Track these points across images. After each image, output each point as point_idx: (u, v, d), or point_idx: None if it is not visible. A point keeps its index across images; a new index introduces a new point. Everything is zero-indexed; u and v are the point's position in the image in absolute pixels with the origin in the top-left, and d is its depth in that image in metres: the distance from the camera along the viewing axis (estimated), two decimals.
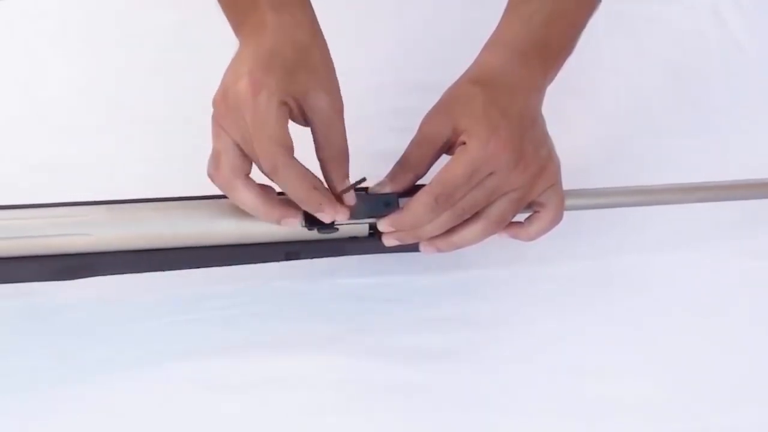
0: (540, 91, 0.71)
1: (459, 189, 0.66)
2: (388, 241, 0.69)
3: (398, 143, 0.69)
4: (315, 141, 0.66)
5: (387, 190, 0.68)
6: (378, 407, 0.70)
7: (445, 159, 0.68)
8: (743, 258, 0.81)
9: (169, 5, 0.99)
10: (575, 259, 0.80)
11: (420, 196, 0.66)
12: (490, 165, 0.66)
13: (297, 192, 0.64)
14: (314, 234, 0.68)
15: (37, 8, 0.99)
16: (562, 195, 0.71)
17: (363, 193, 0.68)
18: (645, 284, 0.79)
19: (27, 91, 0.92)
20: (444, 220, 0.67)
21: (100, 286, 0.71)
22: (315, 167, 0.66)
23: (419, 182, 0.68)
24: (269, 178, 0.64)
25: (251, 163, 0.65)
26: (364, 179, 0.66)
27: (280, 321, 0.75)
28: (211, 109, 0.64)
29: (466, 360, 0.73)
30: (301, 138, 0.65)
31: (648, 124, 0.93)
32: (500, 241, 0.72)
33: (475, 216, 0.68)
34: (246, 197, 0.65)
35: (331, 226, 0.67)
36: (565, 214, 0.72)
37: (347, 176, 0.66)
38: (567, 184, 0.71)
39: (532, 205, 0.71)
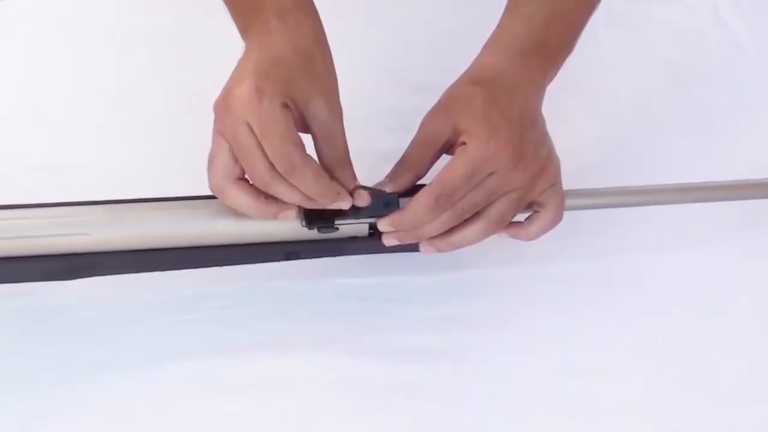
0: (540, 91, 0.71)
1: (459, 189, 0.66)
2: (388, 241, 0.69)
3: (398, 143, 0.69)
4: (316, 148, 0.66)
5: (387, 189, 0.68)
6: (378, 407, 0.70)
7: (445, 159, 0.68)
8: (743, 258, 0.81)
9: (169, 6, 0.99)
10: (575, 259, 0.80)
11: (420, 196, 0.66)
12: (490, 165, 0.66)
13: (315, 186, 0.64)
14: (314, 234, 0.68)
15: (37, 8, 0.99)
16: (562, 195, 0.71)
17: None
18: (645, 284, 0.79)
19: (27, 91, 0.92)
20: (444, 220, 0.67)
21: (100, 286, 0.71)
22: None
23: (419, 182, 0.68)
24: (283, 178, 0.63)
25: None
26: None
27: (280, 321, 0.75)
28: (211, 110, 0.64)
29: (466, 360, 0.73)
30: None
31: (648, 124, 0.93)
32: (500, 241, 0.72)
33: (475, 216, 0.68)
34: (239, 198, 0.65)
35: (332, 226, 0.67)
36: (565, 214, 0.72)
37: (354, 177, 0.67)
38: (567, 184, 0.71)
39: (532, 205, 0.71)
